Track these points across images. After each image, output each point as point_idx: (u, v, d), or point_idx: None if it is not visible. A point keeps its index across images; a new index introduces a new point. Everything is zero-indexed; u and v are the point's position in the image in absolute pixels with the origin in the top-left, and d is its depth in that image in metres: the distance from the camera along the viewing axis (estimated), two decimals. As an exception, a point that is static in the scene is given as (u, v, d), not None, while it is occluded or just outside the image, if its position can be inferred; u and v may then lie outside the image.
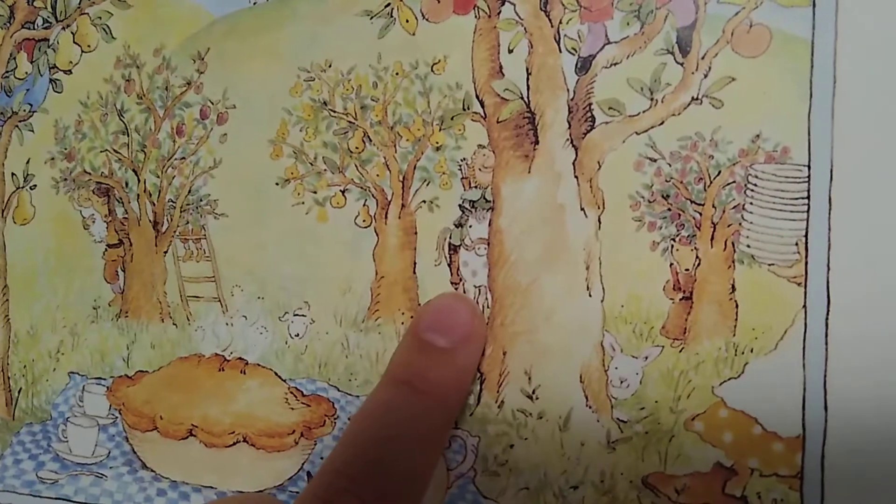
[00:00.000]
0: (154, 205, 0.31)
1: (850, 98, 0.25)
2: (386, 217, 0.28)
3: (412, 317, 0.27)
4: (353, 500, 0.22)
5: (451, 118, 0.27)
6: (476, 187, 0.27)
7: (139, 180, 0.31)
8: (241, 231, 0.30)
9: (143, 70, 0.30)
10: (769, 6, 0.25)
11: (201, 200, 0.30)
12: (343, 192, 0.29)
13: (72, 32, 0.31)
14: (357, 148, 0.28)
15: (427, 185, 0.28)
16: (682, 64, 0.26)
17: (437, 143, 0.28)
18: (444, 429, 0.25)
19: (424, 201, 0.28)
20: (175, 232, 0.31)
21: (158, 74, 0.30)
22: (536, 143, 0.27)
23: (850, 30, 0.25)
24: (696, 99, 0.26)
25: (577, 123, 0.26)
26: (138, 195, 0.31)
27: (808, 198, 0.25)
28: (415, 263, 0.28)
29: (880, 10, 0.25)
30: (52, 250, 0.32)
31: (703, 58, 0.26)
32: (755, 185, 0.26)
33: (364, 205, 0.28)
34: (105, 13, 0.31)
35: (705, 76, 0.26)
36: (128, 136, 0.31)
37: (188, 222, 0.30)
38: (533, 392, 0.26)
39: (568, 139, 0.26)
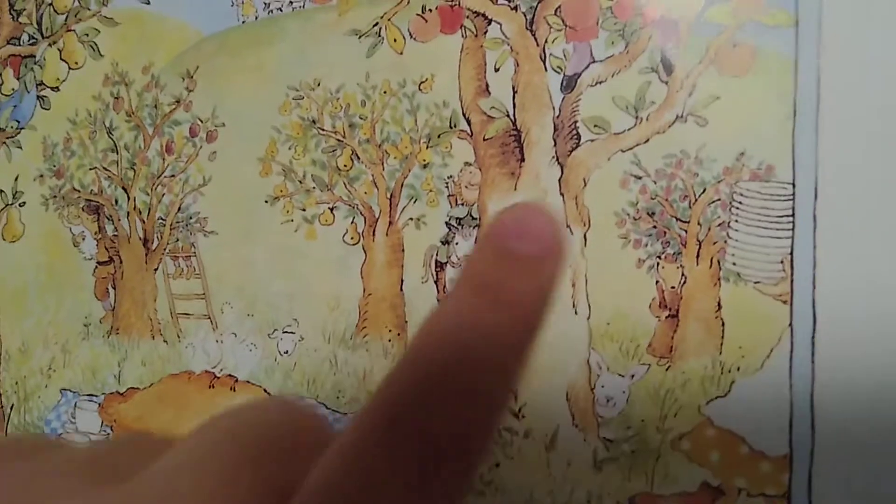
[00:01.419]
0: (144, 222, 0.31)
1: (833, 116, 0.25)
2: (374, 234, 0.28)
3: (488, 230, 0.25)
4: (418, 432, 0.19)
5: (438, 136, 0.28)
6: (463, 204, 0.27)
7: (129, 198, 0.31)
8: (231, 248, 0.30)
9: (132, 88, 0.31)
10: (753, 25, 0.25)
11: (191, 218, 0.30)
12: (331, 209, 0.29)
13: (58, 49, 0.31)
14: (345, 166, 0.28)
15: (414, 202, 0.28)
16: (666, 82, 0.26)
17: (424, 160, 0.28)
18: (525, 354, 0.23)
19: (412, 218, 0.28)
20: (165, 249, 0.31)
21: (147, 92, 0.30)
22: (522, 160, 0.27)
23: (834, 48, 0.25)
24: (681, 117, 0.26)
25: (562, 141, 0.26)
26: (128, 213, 0.31)
27: (794, 215, 0.25)
28: (402, 280, 0.28)
29: (863, 29, 0.25)
30: (43, 267, 0.32)
31: (687, 76, 0.26)
32: (740, 202, 0.26)
33: (352, 222, 0.28)
34: (92, 30, 0.31)
35: (690, 94, 0.26)
36: (117, 153, 0.31)
37: (178, 240, 0.30)
38: (519, 410, 0.26)
39: (553, 157, 0.26)
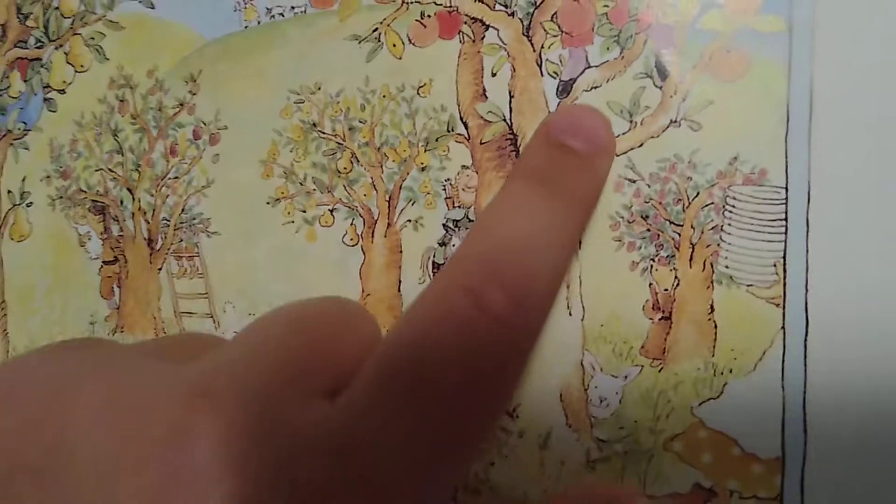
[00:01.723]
0: (149, 223, 0.31)
1: (826, 122, 0.25)
2: (372, 236, 0.29)
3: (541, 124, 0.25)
4: (489, 298, 0.19)
5: (436, 139, 0.28)
6: (460, 207, 0.28)
7: (134, 199, 0.31)
8: (233, 249, 0.30)
9: (137, 91, 0.31)
10: (747, 31, 0.26)
11: (194, 219, 0.31)
12: (332, 211, 0.29)
13: (65, 52, 0.32)
14: (345, 168, 0.29)
15: (412, 204, 0.28)
16: (660, 88, 0.26)
17: (422, 163, 0.28)
18: (575, 244, 0.23)
19: (409, 220, 0.28)
20: (169, 249, 0.31)
21: (152, 95, 0.31)
22: (520, 164, 0.27)
23: (827, 55, 0.25)
24: (675, 122, 0.26)
25: (559, 145, 0.27)
26: (133, 213, 0.32)
27: (786, 220, 0.25)
28: (399, 281, 0.28)
29: (856, 36, 0.25)
30: (49, 267, 0.33)
31: (681, 81, 0.26)
32: (733, 206, 0.26)
33: (351, 224, 0.29)
34: (98, 34, 0.31)
35: (684, 99, 0.26)
36: (122, 155, 0.32)
37: (182, 240, 0.31)
38: (514, 410, 0.26)
39: (550, 161, 0.27)
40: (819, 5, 0.25)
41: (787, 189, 0.26)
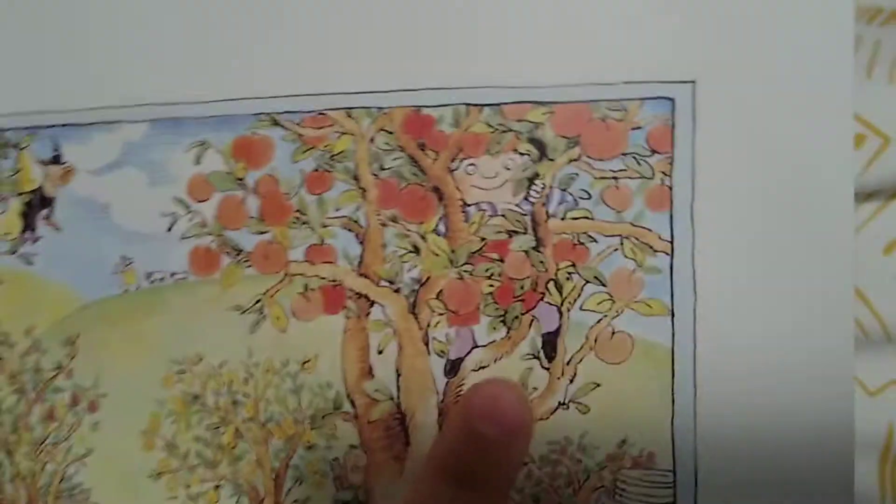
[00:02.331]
0: (28, 489, 0.30)
1: (711, 404, 0.25)
2: (260, 515, 0.27)
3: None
4: None
5: (322, 417, 0.27)
6: (348, 487, 0.27)
7: (11, 463, 0.30)
8: (117, 520, 0.29)
9: (14, 350, 0.30)
10: (629, 314, 0.25)
11: (74, 489, 0.29)
12: (216, 487, 0.28)
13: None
14: (229, 444, 0.28)
15: (300, 484, 0.27)
16: (548, 369, 0.26)
17: (308, 441, 0.27)
18: None
19: (297, 500, 0.27)
20: (52, 515, 0.29)
21: (29, 356, 0.29)
22: (408, 444, 0.26)
23: (708, 337, 0.25)
24: (563, 404, 0.26)
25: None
26: (13, 478, 0.30)
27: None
28: (286, 573, 0.27)
29: (736, 315, 0.25)
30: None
31: (568, 363, 0.26)
32: (623, 490, 0.26)
33: (237, 502, 0.27)
34: (-23, 287, 0.30)
35: (571, 381, 0.26)
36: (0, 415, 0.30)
37: (64, 505, 0.29)
38: None
39: (438, 446, 0.26)
40: (699, 292, 0.25)
41: (674, 472, 0.25)
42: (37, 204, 0.29)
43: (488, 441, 0.23)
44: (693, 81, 0.25)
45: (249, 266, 0.27)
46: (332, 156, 0.27)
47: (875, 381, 0.25)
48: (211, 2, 0.27)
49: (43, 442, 0.29)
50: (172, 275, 0.28)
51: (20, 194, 0.29)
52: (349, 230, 0.27)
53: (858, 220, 0.26)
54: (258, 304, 0.27)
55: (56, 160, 0.29)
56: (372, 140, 0.26)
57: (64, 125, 0.29)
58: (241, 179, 0.27)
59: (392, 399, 0.26)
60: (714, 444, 0.25)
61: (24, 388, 0.30)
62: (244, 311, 0.27)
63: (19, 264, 0.30)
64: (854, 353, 0.24)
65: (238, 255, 0.27)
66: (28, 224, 0.29)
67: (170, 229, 0.28)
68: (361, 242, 0.27)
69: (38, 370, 0.29)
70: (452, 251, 0.26)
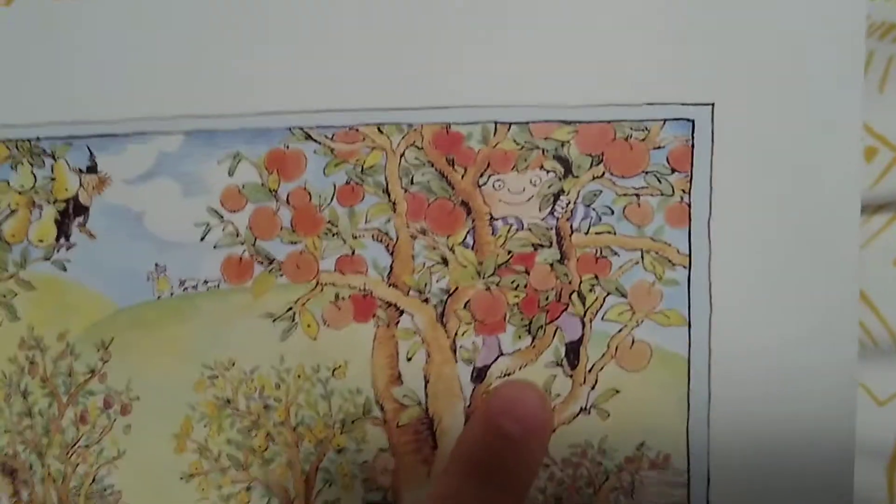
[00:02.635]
0: (59, 491, 0.30)
1: (724, 409, 0.26)
2: (290, 516, 0.28)
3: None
4: None
5: (352, 422, 0.28)
6: (377, 489, 0.28)
7: (43, 464, 0.30)
8: (147, 521, 0.29)
9: (47, 354, 0.30)
10: (649, 325, 0.27)
11: (105, 490, 0.30)
12: (247, 489, 0.29)
13: (-25, 312, 0.31)
14: (261, 447, 0.28)
15: (329, 486, 0.28)
16: (570, 376, 0.27)
17: (338, 445, 0.28)
18: None
19: (327, 502, 0.28)
20: (81, 517, 0.30)
21: (62, 360, 0.30)
22: (435, 447, 0.27)
23: (723, 346, 0.26)
24: (585, 409, 0.27)
25: (473, 433, 0.27)
26: (43, 479, 0.30)
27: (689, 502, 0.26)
28: (317, 572, 0.28)
29: (749, 326, 0.26)
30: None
31: (590, 371, 0.27)
32: (640, 490, 0.27)
33: (268, 502, 0.28)
34: (10, 292, 0.31)
35: (592, 388, 0.27)
36: (31, 418, 0.31)
37: (94, 507, 0.30)
38: None
39: (465, 449, 0.27)
40: (714, 303, 0.26)
41: (689, 473, 0.26)
42: (72, 212, 0.30)
43: (510, 437, 0.24)
44: (712, 104, 0.26)
45: (281, 275, 0.28)
46: (363, 170, 0.28)
47: (885, 391, 0.27)
48: (248, 18, 0.28)
49: (75, 444, 0.30)
50: (205, 282, 0.29)
51: (55, 202, 0.30)
52: (379, 241, 0.28)
53: (869, 232, 0.27)
54: (289, 312, 0.28)
55: (91, 169, 0.30)
56: (402, 155, 0.27)
57: (100, 136, 0.29)
58: (274, 191, 0.28)
59: (420, 404, 0.27)
60: (726, 447, 0.26)
61: (57, 392, 0.30)
62: (276, 319, 0.28)
63: (53, 270, 0.30)
64: (863, 363, 0.26)
65: (270, 264, 0.28)
66: (62, 231, 0.30)
67: (203, 238, 0.29)
68: (391, 253, 0.28)
69: (70, 374, 0.30)
70: (480, 263, 0.27)
